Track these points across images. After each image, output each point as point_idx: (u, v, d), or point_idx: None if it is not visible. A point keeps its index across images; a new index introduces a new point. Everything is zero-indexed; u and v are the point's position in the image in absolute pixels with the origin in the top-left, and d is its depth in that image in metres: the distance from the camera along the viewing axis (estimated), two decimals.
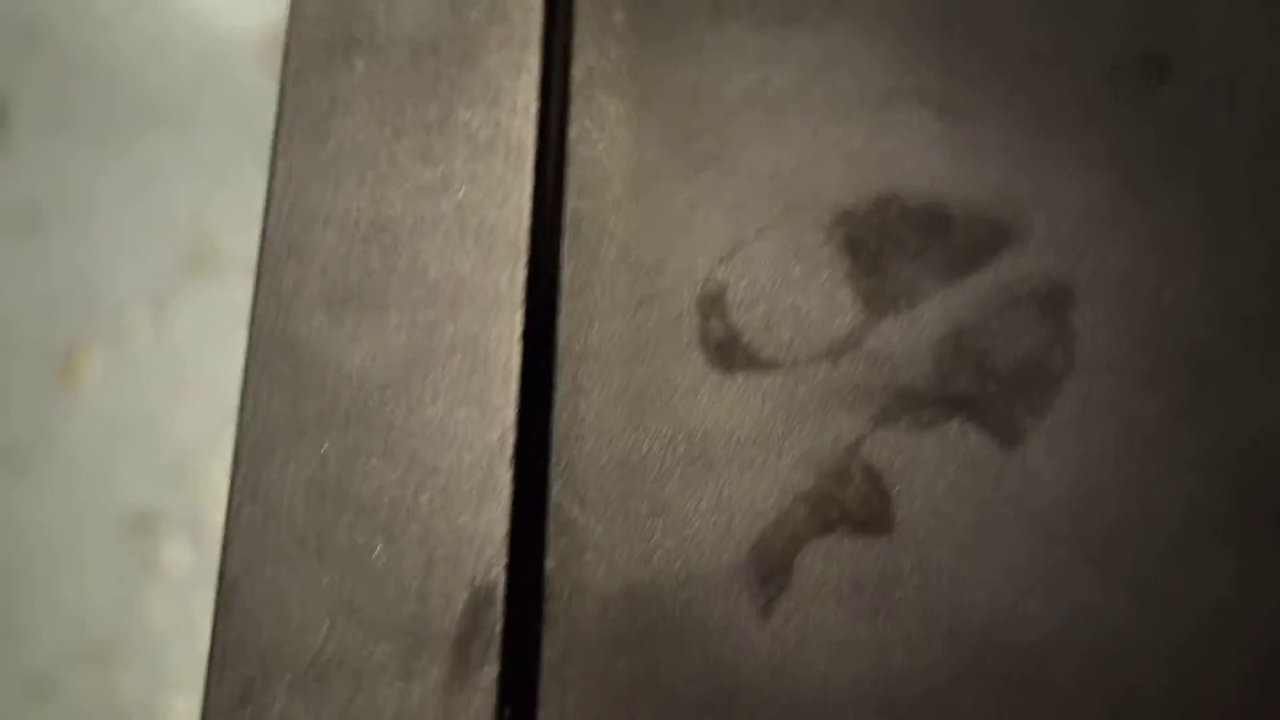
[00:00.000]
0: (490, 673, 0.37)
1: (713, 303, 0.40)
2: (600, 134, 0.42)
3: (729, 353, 0.40)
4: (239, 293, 1.07)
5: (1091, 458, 0.38)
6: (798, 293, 0.40)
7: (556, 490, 0.38)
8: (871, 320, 0.40)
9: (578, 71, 0.42)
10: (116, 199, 1.13)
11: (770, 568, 0.37)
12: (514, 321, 0.40)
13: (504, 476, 0.39)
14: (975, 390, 0.39)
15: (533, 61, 0.42)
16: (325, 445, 0.39)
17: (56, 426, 1.07)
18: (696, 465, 0.38)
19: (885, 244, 0.41)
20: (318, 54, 0.42)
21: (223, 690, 0.37)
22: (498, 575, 0.37)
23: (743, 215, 0.41)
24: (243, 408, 0.40)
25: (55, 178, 1.15)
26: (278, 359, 0.40)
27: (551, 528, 0.38)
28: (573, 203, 0.41)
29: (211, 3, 1.19)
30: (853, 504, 0.38)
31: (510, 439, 0.39)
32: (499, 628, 0.37)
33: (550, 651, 0.37)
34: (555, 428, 0.39)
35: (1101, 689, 0.36)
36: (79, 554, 1.06)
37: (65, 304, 1.11)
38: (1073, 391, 0.39)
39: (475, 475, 0.39)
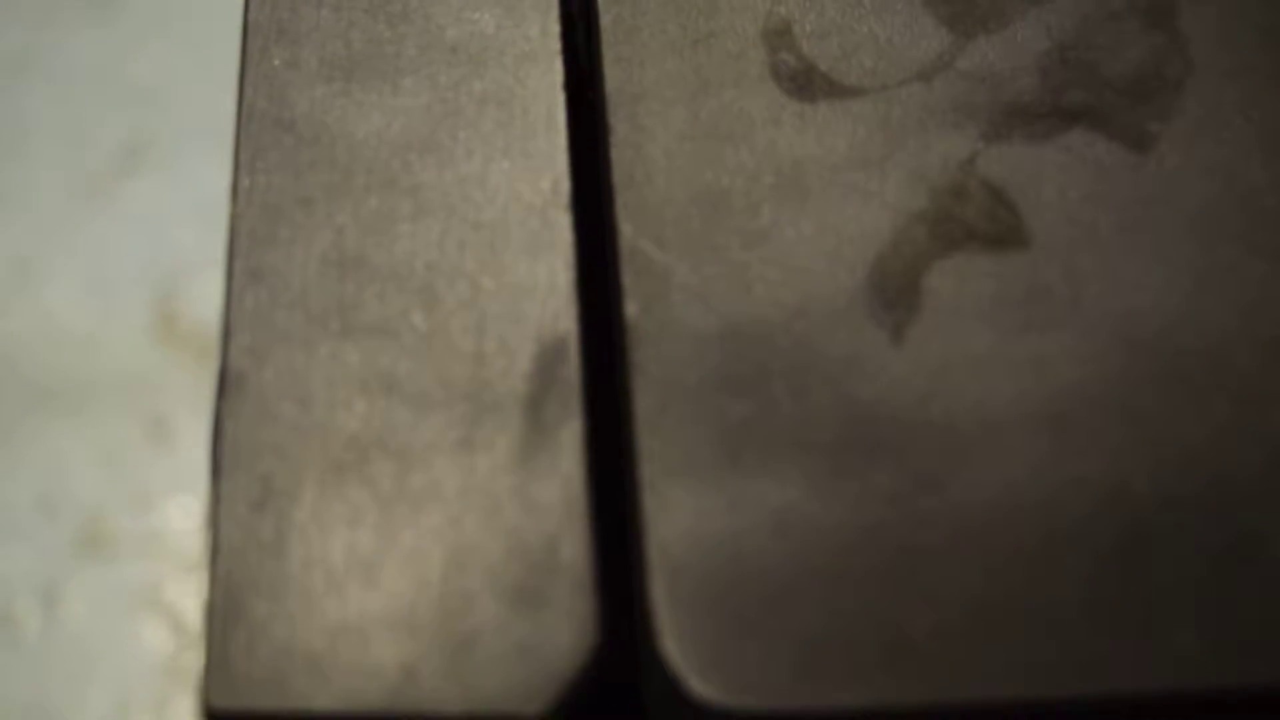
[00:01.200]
0: (573, 429, 0.29)
1: (779, 36, 0.34)
2: None
3: (806, 83, 0.34)
4: (133, 575, 0.99)
5: (1234, 155, 0.32)
6: (872, 22, 0.34)
7: (628, 232, 0.31)
8: (961, 42, 0.34)
9: None
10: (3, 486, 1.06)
11: (895, 291, 0.31)
12: (553, 70, 0.34)
13: (562, 222, 0.32)
14: (1092, 100, 0.33)
15: None
16: (340, 216, 0.32)
17: None
18: (790, 194, 0.32)
19: None
20: None
21: (235, 494, 0.29)
22: (568, 325, 0.30)
23: None
24: (235, 198, 0.33)
25: None
26: (273, 141, 0.33)
27: (628, 271, 0.31)
28: None
29: (97, 280, 1.12)
30: (977, 220, 0.32)
31: (565, 185, 0.32)
32: (577, 380, 0.30)
33: (644, 400, 0.29)
34: (616, 170, 0.32)
35: None
36: None
37: None
38: (1197, 94, 0.33)
39: (529, 226, 0.32)
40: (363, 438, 0.29)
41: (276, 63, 0.34)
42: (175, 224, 1.12)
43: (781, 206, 0.32)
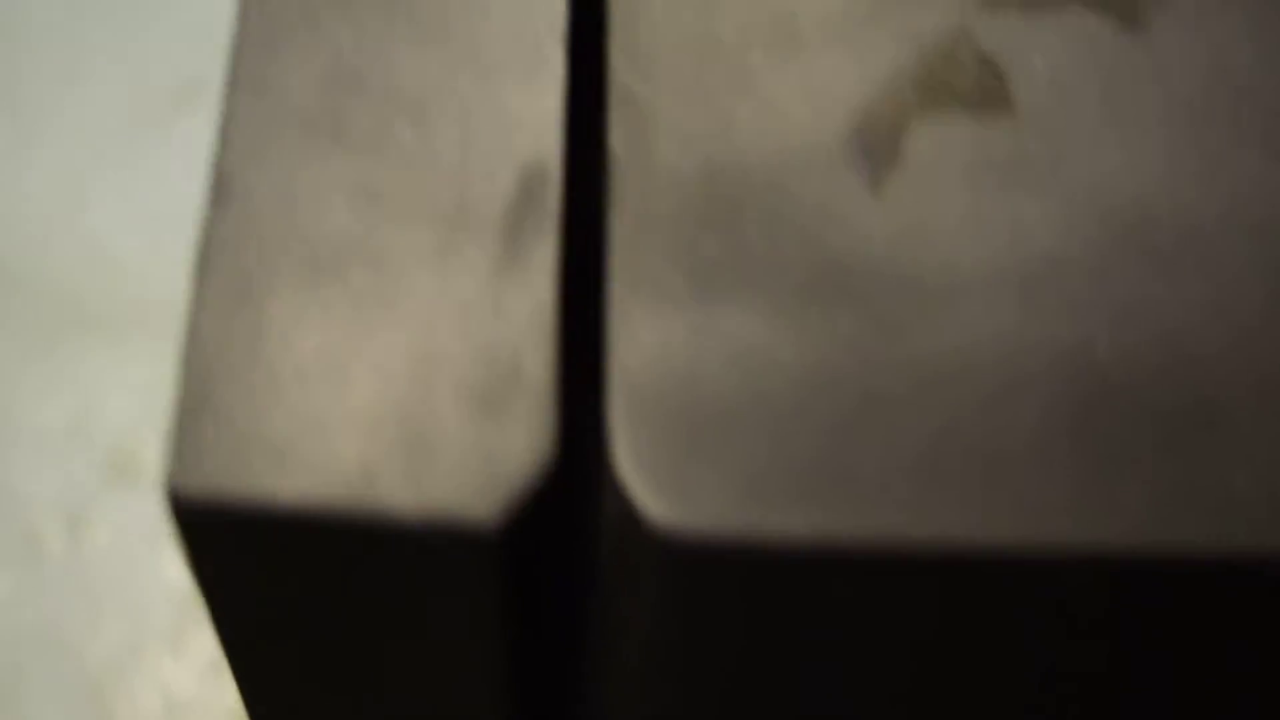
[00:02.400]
0: (547, 250, 0.29)
1: None
2: None
3: None
4: (161, 507, 0.98)
5: (1229, 42, 0.32)
6: None
7: (619, 67, 0.32)
8: None
9: None
10: (36, 408, 1.05)
11: (876, 145, 0.31)
12: None
13: (555, 53, 0.32)
14: None
15: None
16: (342, 35, 0.33)
17: None
18: (782, 44, 0.32)
19: None
20: None
21: (214, 291, 0.30)
22: (551, 152, 0.31)
23: None
24: (240, 11, 0.34)
25: None
26: None
27: (615, 107, 0.31)
28: None
29: (146, 211, 1.12)
30: (964, 86, 0.32)
31: (561, 19, 0.32)
32: (556, 206, 0.30)
33: (619, 229, 0.30)
34: (614, 7, 0.32)
35: (1269, 265, 0.30)
36: None
37: None
38: None
39: (522, 53, 0.32)
40: (343, 244, 0.30)
41: None
42: None
43: (771, 56, 0.32)
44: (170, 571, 0.99)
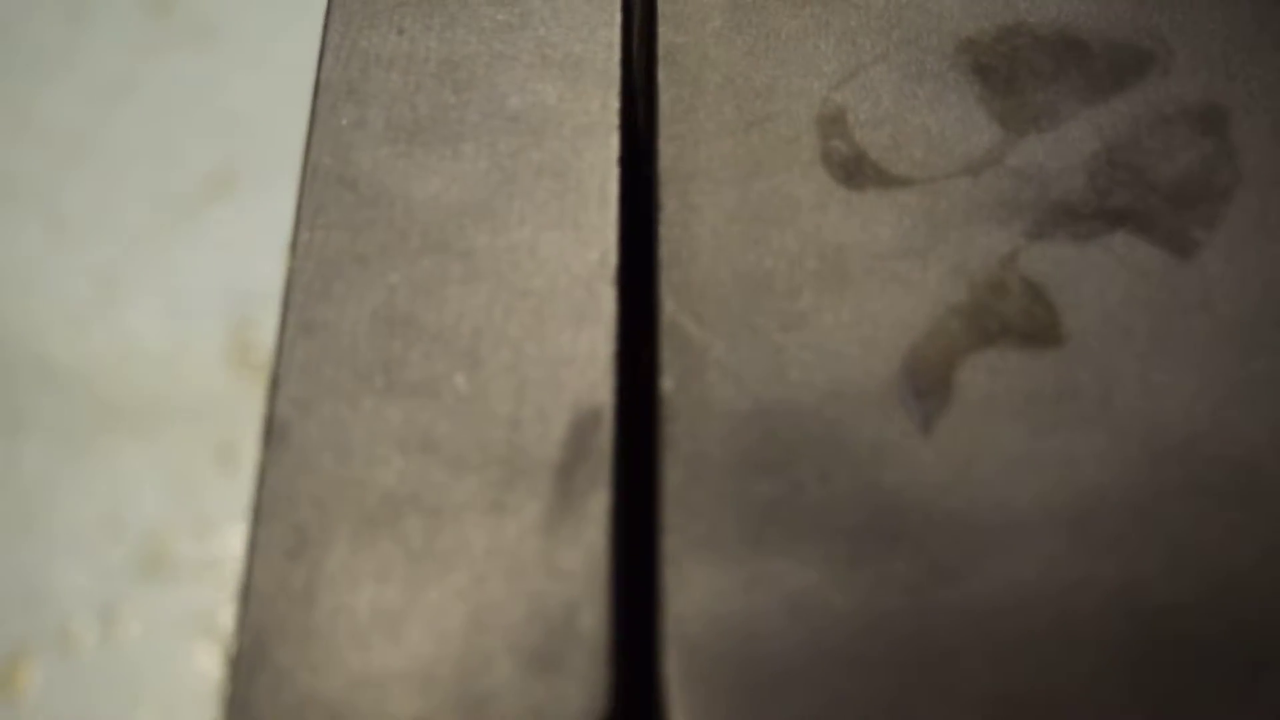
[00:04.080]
0: (600, 499, 0.29)
1: (832, 123, 0.35)
2: None
3: (856, 170, 0.34)
4: (192, 599, 0.99)
5: (1278, 268, 0.32)
6: (926, 114, 0.35)
7: (670, 308, 0.32)
8: (1011, 139, 0.34)
9: None
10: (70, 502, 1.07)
11: (927, 382, 0.31)
12: (609, 144, 0.34)
13: (607, 295, 0.32)
14: (1137, 203, 0.33)
15: None
16: (393, 276, 0.33)
17: None
18: (831, 280, 0.32)
19: (1018, 69, 0.35)
20: None
21: (270, 542, 0.30)
22: (604, 396, 0.31)
23: (857, 43, 0.36)
24: (294, 252, 0.34)
25: (3, 480, 1.08)
26: (334, 197, 0.34)
27: (667, 346, 0.31)
28: (667, 36, 0.36)
29: (177, 304, 1.14)
30: (1014, 316, 0.32)
31: (612, 259, 0.32)
32: (609, 451, 0.30)
33: (672, 475, 0.30)
34: (663, 248, 0.32)
35: None
36: None
37: (8, 609, 1.02)
38: (1244, 203, 0.33)
39: (574, 296, 0.32)
40: (397, 494, 0.30)
41: (344, 121, 0.35)
42: (257, 253, 1.14)
43: (821, 291, 0.32)
44: (202, 664, 0.99)
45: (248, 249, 1.15)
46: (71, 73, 1.22)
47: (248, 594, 0.29)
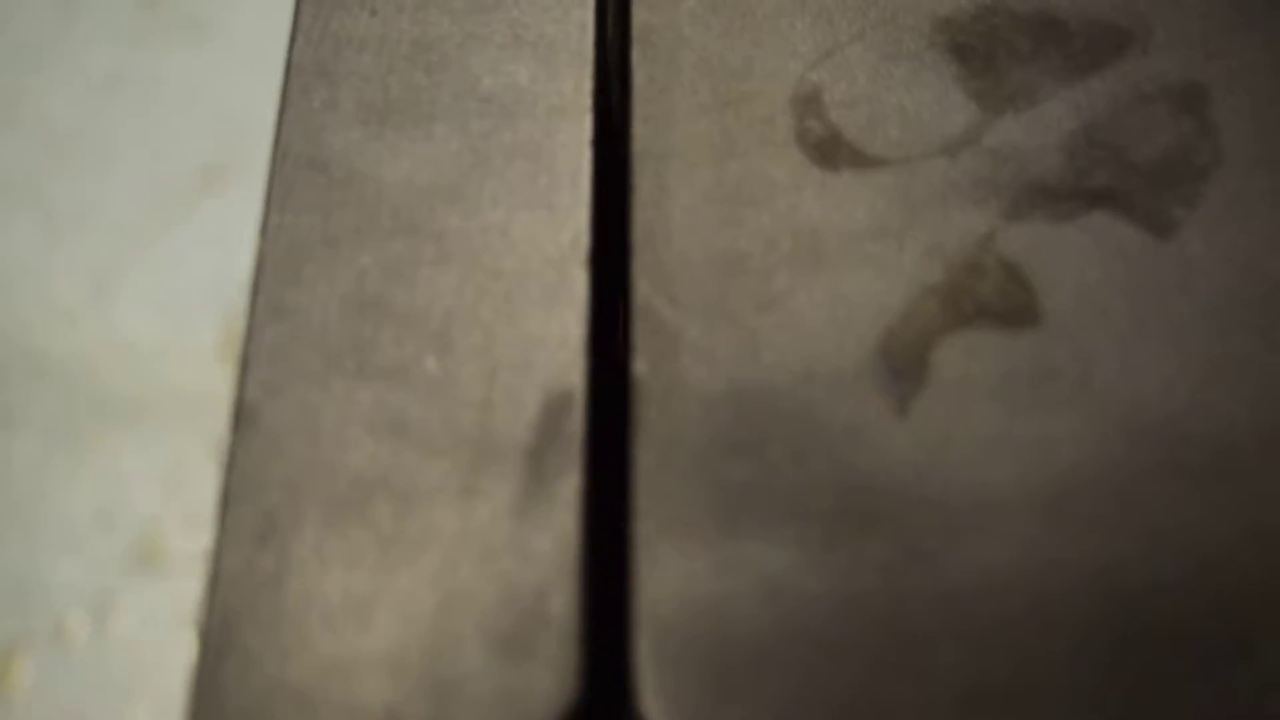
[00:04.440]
0: (571, 483, 0.29)
1: (808, 103, 0.34)
2: None
3: (831, 150, 0.33)
4: (186, 593, 0.99)
5: (1258, 246, 0.32)
6: (902, 93, 0.34)
7: (643, 290, 0.31)
8: (989, 118, 0.34)
9: None
10: (62, 496, 1.06)
11: (902, 363, 0.31)
12: (582, 125, 0.34)
13: (579, 277, 0.32)
14: (1116, 183, 0.33)
15: None
16: (364, 258, 0.32)
17: None
18: (806, 261, 0.32)
19: (996, 48, 0.35)
20: None
21: (238, 526, 0.30)
22: (576, 379, 0.30)
23: (833, 22, 0.36)
24: (263, 235, 0.34)
25: None
26: (305, 179, 0.34)
27: (639, 328, 0.31)
28: (641, 16, 0.36)
29: (169, 298, 1.13)
30: (990, 296, 0.31)
31: (585, 240, 0.32)
32: (580, 434, 0.30)
33: (644, 457, 0.29)
34: (636, 229, 0.32)
35: None
36: None
37: (1, 604, 1.02)
38: (1224, 183, 0.33)
39: (546, 278, 0.32)
40: (367, 477, 0.29)
41: (315, 103, 0.34)
42: (249, 246, 1.13)
43: (796, 273, 0.31)
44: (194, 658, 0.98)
45: (240, 242, 1.15)
46: (62, 66, 1.22)
47: (216, 578, 0.28)
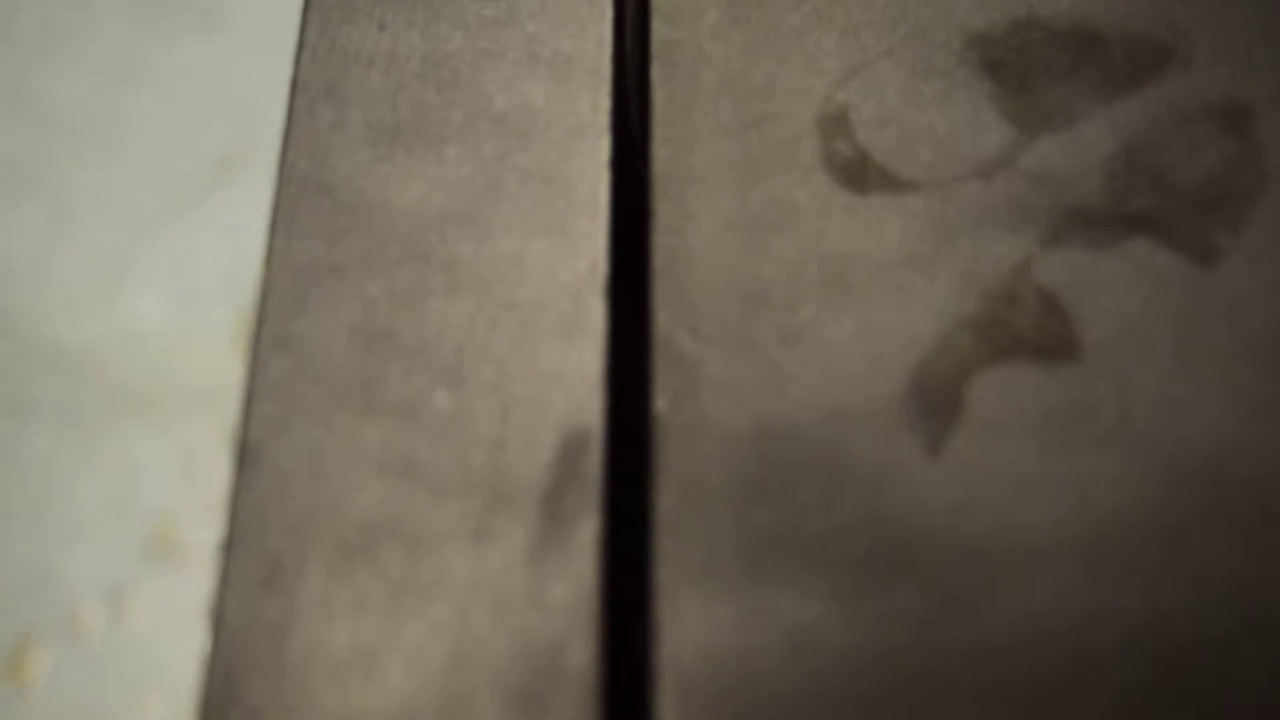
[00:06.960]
0: (589, 527, 0.28)
1: (835, 123, 0.33)
2: None
3: (859, 173, 0.32)
4: (200, 584, 0.98)
5: None
6: (933, 113, 0.33)
7: (663, 321, 0.30)
8: (1024, 139, 0.33)
9: None
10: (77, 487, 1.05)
11: (935, 399, 0.29)
12: (600, 147, 0.32)
13: (596, 308, 0.30)
14: (1157, 208, 0.31)
15: None
16: (372, 287, 0.31)
17: None
18: (834, 291, 0.30)
19: (1030, 65, 0.34)
20: None
21: (243, 572, 0.28)
22: (594, 416, 0.29)
23: (860, 38, 0.34)
24: (268, 262, 0.32)
25: (10, 465, 1.07)
26: (309, 203, 0.32)
27: (660, 362, 0.30)
28: (661, 31, 0.34)
29: (184, 288, 1.12)
30: (1027, 329, 0.30)
31: (603, 269, 0.31)
32: (598, 475, 0.28)
33: (665, 500, 0.28)
34: (656, 256, 0.31)
35: None
36: None
37: (16, 595, 1.01)
38: (1270, 208, 0.31)
39: (562, 309, 0.30)
40: (375, 521, 0.28)
41: (321, 123, 0.33)
42: (261, 236, 1.12)
43: (823, 303, 0.30)
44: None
45: (254, 232, 1.14)
46: (74, 54, 1.20)
47: (219, 627, 0.27)
